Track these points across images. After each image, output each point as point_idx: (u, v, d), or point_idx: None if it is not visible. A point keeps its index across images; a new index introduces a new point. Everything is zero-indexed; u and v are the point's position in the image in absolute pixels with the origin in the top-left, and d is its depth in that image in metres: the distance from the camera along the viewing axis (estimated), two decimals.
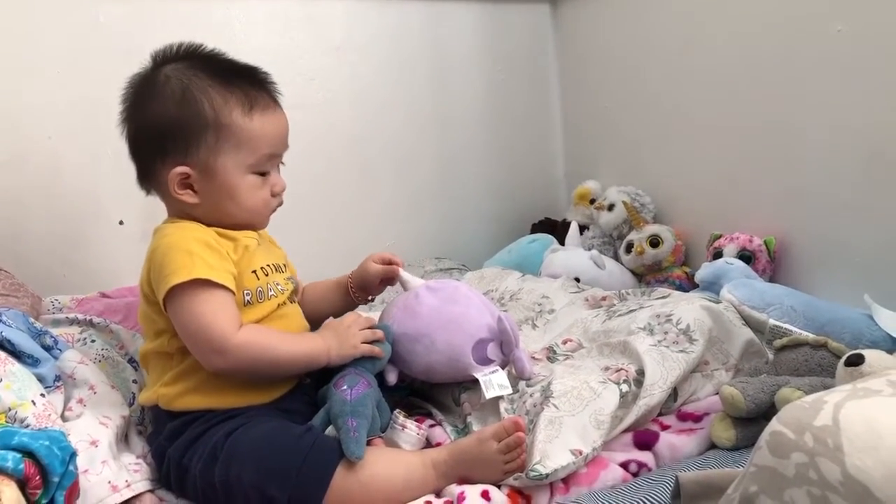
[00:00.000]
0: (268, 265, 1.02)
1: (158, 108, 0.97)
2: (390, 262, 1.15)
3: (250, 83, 1.01)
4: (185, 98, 0.96)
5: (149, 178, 1.02)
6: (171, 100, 0.97)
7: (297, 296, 1.12)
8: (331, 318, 1.06)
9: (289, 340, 0.98)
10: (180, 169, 0.96)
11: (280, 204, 1.06)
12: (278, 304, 1.02)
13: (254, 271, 0.99)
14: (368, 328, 1.02)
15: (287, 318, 1.04)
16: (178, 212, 1.01)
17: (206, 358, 0.92)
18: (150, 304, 0.97)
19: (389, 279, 1.16)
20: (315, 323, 1.09)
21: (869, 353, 0.82)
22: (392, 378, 1.05)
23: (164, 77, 0.98)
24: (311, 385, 1.02)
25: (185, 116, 0.96)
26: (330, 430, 0.91)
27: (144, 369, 1.05)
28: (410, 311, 1.07)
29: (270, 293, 1.01)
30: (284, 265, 1.09)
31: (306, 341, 0.99)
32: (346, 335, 1.00)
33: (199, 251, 0.93)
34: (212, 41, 1.06)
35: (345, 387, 0.93)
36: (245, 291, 0.97)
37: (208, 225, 0.99)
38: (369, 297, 1.21)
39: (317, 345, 0.98)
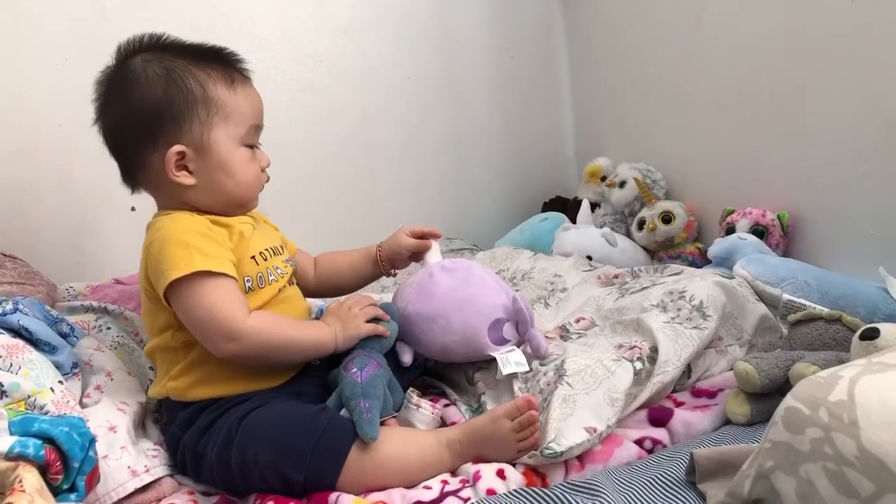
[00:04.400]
0: (266, 249, 1.02)
1: (143, 93, 0.96)
2: (423, 236, 1.14)
3: (224, 61, 1.01)
4: (171, 78, 0.96)
5: (136, 170, 1.00)
6: (155, 82, 0.96)
7: (297, 277, 1.11)
8: (331, 303, 1.06)
9: (298, 327, 0.99)
10: (177, 148, 0.95)
11: (268, 179, 1.05)
12: (279, 289, 1.01)
13: (252, 257, 0.99)
14: (371, 306, 1.03)
15: (289, 301, 1.03)
16: (172, 200, 1.00)
17: (219, 345, 0.91)
18: (152, 301, 0.96)
19: (419, 254, 1.15)
20: (335, 296, 1.07)
21: (884, 327, 0.82)
22: (407, 359, 1.05)
23: (140, 64, 0.97)
24: (320, 367, 1.02)
25: (173, 96, 0.95)
26: (344, 413, 0.91)
27: (153, 363, 1.05)
28: (425, 292, 1.07)
29: (271, 278, 1.00)
30: (282, 246, 1.08)
31: (314, 329, 1.00)
32: (349, 317, 1.00)
33: (195, 242, 0.92)
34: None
35: (355, 369, 0.93)
36: (245, 278, 0.97)
37: (203, 210, 0.99)
38: (393, 271, 1.19)
39: (323, 332, 0.98)
